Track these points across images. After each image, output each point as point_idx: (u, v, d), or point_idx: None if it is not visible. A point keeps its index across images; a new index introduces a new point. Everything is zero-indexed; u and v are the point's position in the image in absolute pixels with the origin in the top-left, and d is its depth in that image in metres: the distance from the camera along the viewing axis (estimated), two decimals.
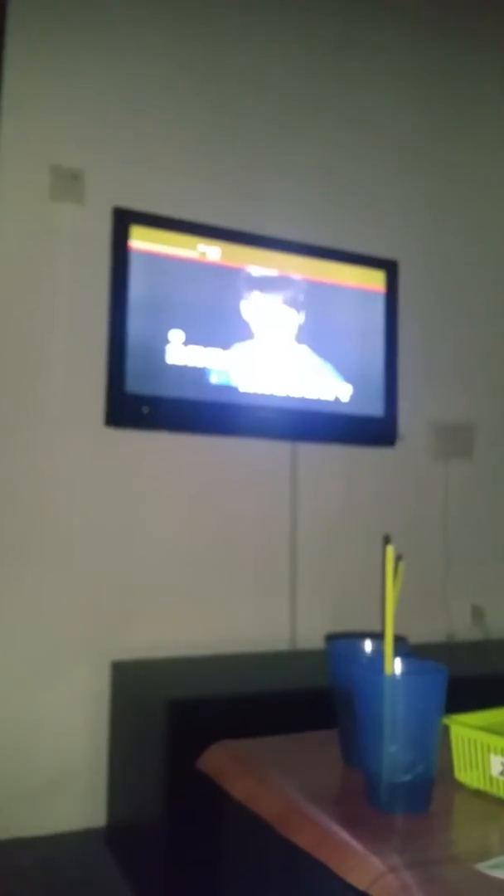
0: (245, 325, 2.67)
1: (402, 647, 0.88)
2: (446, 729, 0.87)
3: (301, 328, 2.74)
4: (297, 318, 2.74)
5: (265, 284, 2.71)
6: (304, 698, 1.88)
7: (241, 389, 2.63)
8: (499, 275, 3.29)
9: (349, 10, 3.04)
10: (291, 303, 2.74)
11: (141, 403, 2.50)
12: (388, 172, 3.08)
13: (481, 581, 3.12)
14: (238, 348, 2.64)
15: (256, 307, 2.69)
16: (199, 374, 2.57)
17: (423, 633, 2.80)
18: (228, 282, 2.67)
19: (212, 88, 2.79)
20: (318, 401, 2.75)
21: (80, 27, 2.60)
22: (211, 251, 2.63)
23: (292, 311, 2.74)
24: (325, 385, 2.76)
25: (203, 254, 2.62)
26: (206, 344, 2.59)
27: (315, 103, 2.96)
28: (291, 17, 2.93)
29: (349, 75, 3.03)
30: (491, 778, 0.85)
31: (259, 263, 2.71)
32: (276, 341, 2.71)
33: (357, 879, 0.68)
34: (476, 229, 3.26)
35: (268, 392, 2.67)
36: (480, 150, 3.30)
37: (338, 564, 2.85)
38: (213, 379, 2.59)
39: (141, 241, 2.53)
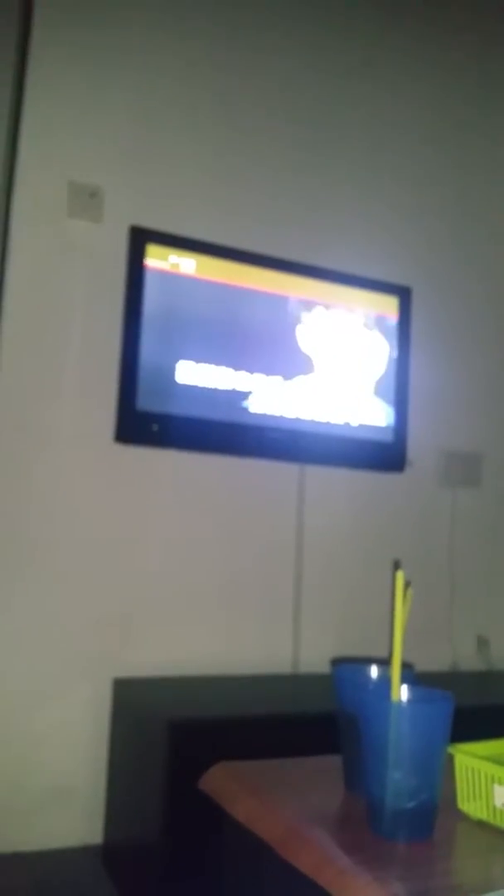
0: (256, 346, 2.68)
1: (408, 674, 0.88)
2: (451, 758, 0.87)
3: (314, 351, 2.76)
4: (310, 341, 2.75)
5: (277, 307, 2.73)
6: (306, 722, 1.88)
7: (251, 410, 2.64)
8: None
9: (370, 35, 3.08)
10: (304, 326, 2.75)
11: (151, 421, 2.51)
12: (404, 198, 3.11)
13: (486, 611, 3.10)
14: (249, 369, 2.65)
15: (269, 329, 2.70)
16: (209, 394, 2.59)
17: (427, 661, 2.79)
18: (241, 302, 2.68)
19: (230, 110, 2.82)
20: (328, 424, 2.76)
21: (101, 47, 2.64)
22: (222, 271, 2.65)
23: (304, 334, 2.75)
24: (332, 408, 2.77)
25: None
26: (217, 363, 2.60)
27: (332, 128, 2.99)
28: (312, 41, 2.97)
29: (367, 101, 3.07)
30: (494, 809, 0.84)
31: (273, 286, 2.73)
32: (288, 363, 2.72)
33: None
34: (491, 258, 3.28)
35: (277, 413, 2.68)
36: (498, 179, 3.33)
37: (342, 589, 2.84)
38: (223, 399, 2.60)
39: (156, 259, 2.56)
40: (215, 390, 2.60)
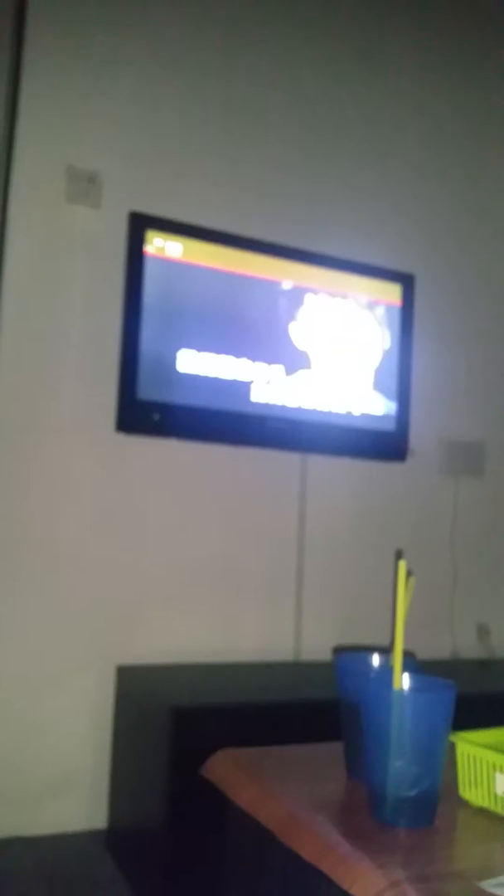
0: (258, 334, 2.67)
1: (410, 662, 0.88)
2: (452, 746, 0.87)
3: (316, 339, 2.75)
4: (311, 329, 2.75)
5: (279, 295, 2.72)
6: (308, 710, 1.89)
7: (253, 399, 2.64)
8: None
9: (372, 20, 3.06)
10: (306, 314, 2.75)
11: (152, 410, 2.51)
12: (405, 186, 3.09)
13: (487, 599, 3.11)
14: (251, 357, 2.65)
15: (271, 317, 2.70)
16: (210, 383, 2.58)
17: (428, 649, 2.80)
18: (244, 291, 2.68)
19: (230, 95, 2.80)
20: (330, 413, 2.75)
21: (99, 30, 2.61)
22: (222, 258, 2.65)
23: (306, 322, 2.74)
24: (335, 397, 2.77)
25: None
26: (218, 352, 2.60)
27: (334, 113, 2.98)
28: (313, 26, 2.95)
29: (370, 87, 3.05)
30: (495, 796, 0.85)
31: (274, 273, 2.72)
32: (290, 352, 2.71)
33: (360, 892, 0.68)
34: (495, 246, 3.27)
35: (279, 402, 2.68)
36: (502, 166, 3.31)
37: (344, 578, 2.85)
38: (225, 388, 2.60)
39: (156, 246, 2.55)
40: (217, 379, 2.59)
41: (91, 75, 2.59)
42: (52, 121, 2.53)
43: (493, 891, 0.67)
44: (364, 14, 3.05)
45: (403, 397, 2.89)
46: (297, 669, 2.67)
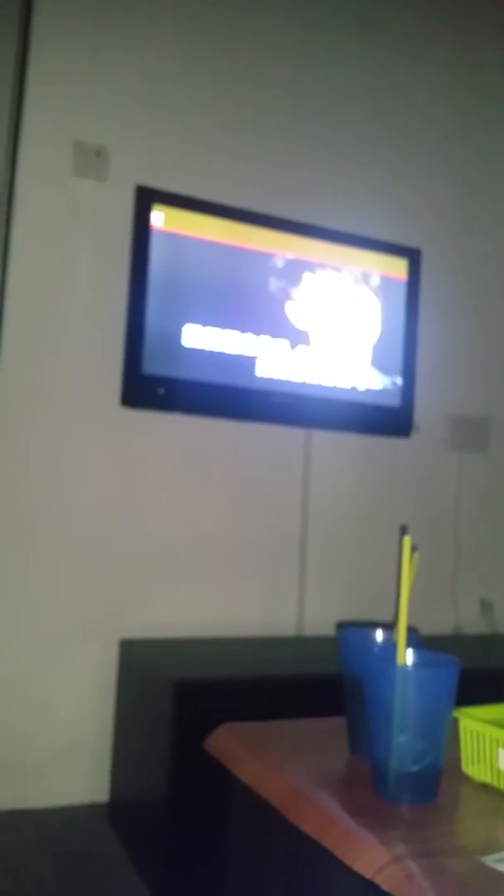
0: (264, 309, 2.65)
1: (413, 638, 0.88)
2: (455, 721, 0.87)
3: (321, 314, 2.73)
4: (316, 304, 2.72)
5: (285, 269, 2.70)
6: (310, 684, 1.89)
7: (258, 374, 2.62)
8: None
9: None
10: (312, 288, 2.72)
11: (157, 385, 2.50)
12: (413, 158, 3.05)
13: (491, 575, 3.11)
14: (255, 332, 2.63)
15: (276, 292, 2.68)
16: (215, 358, 2.57)
17: (431, 624, 2.80)
18: (247, 265, 2.65)
19: (235, 69, 2.76)
20: (334, 388, 2.74)
21: (106, 5, 2.57)
22: (233, 233, 2.62)
23: (311, 296, 2.72)
24: (340, 372, 2.75)
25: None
26: (223, 327, 2.58)
27: (340, 87, 2.93)
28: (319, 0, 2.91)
29: (376, 59, 3.00)
30: (498, 772, 0.85)
31: (281, 247, 2.69)
32: (295, 327, 2.69)
33: (362, 867, 0.68)
34: (500, 221, 3.23)
35: (284, 378, 2.66)
36: None
37: (347, 553, 2.85)
38: (229, 363, 2.58)
39: (162, 220, 2.52)
40: (221, 354, 2.57)
41: (97, 50, 2.55)
42: (59, 95, 2.50)
43: (495, 866, 0.67)
44: None
45: (409, 373, 2.87)
46: (299, 644, 2.68)
